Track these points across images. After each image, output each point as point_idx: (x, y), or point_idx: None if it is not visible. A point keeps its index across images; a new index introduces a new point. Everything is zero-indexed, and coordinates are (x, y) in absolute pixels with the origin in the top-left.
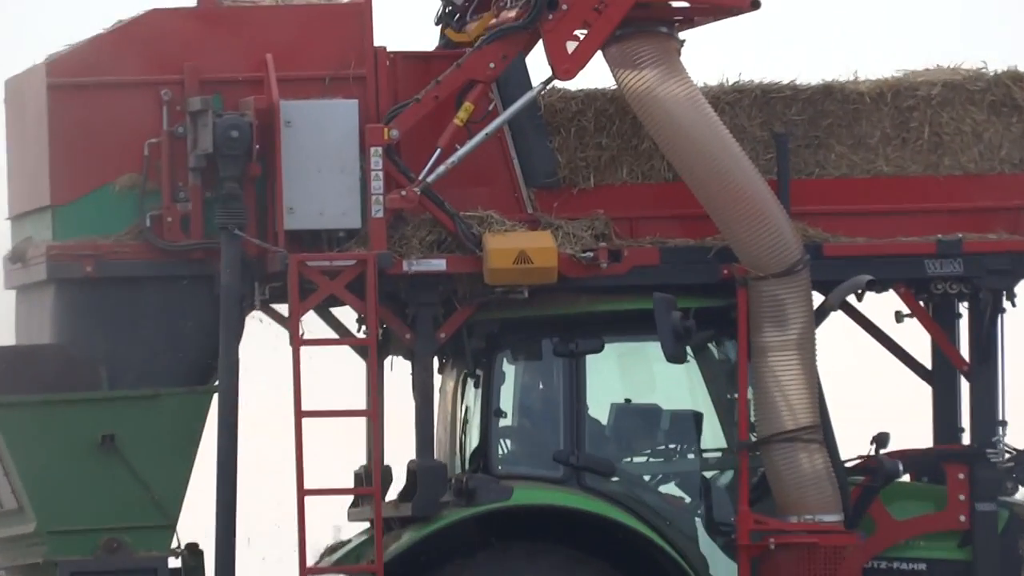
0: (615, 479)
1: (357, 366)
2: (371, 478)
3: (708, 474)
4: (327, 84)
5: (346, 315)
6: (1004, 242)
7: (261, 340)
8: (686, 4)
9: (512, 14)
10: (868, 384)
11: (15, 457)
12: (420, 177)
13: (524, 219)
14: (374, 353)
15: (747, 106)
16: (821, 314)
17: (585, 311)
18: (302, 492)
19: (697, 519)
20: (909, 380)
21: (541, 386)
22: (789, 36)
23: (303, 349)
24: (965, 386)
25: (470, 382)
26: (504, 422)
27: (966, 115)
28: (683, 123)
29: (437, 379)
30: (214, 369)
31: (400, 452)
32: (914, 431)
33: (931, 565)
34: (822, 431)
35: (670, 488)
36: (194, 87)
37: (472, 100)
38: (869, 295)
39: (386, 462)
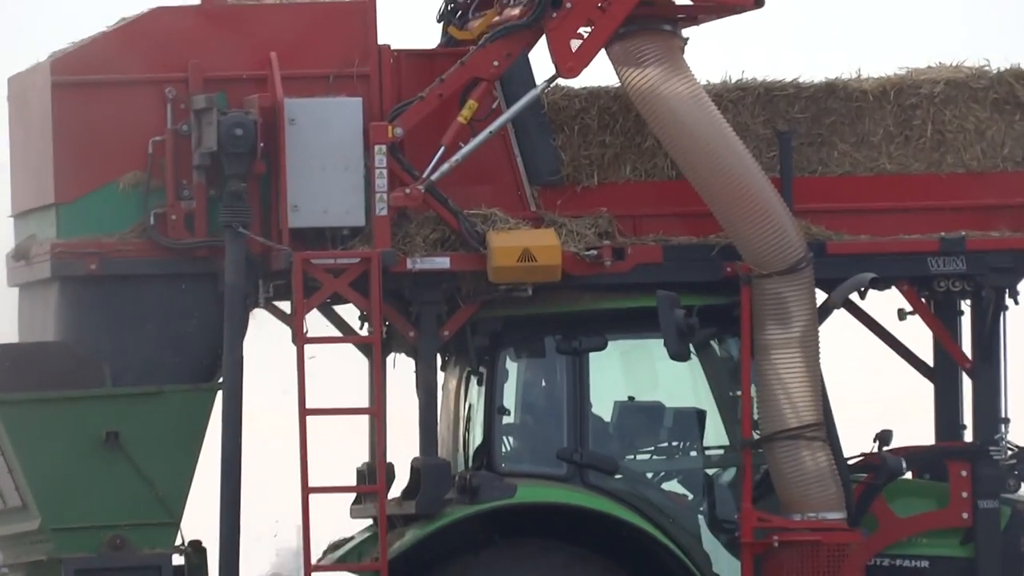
0: (618, 476)
1: (356, 363)
2: (373, 475)
3: (711, 471)
4: (331, 82)
5: (348, 312)
6: (1007, 240)
7: (264, 337)
8: (690, 2)
9: (516, 12)
10: (870, 381)
11: (19, 454)
12: (424, 175)
13: (528, 217)
14: (378, 351)
15: (750, 104)
16: (824, 312)
17: (589, 309)
18: (307, 490)
19: (700, 516)
20: (910, 377)
21: (544, 384)
22: (792, 34)
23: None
24: (967, 383)
25: (473, 380)
26: (507, 420)
27: (969, 113)
28: (687, 121)
29: (440, 376)
30: (218, 366)
31: (402, 449)
32: (916, 428)
33: (933, 562)
34: (825, 429)
35: (673, 485)
36: (198, 85)
37: (476, 98)
38: (871, 293)
39: (388, 459)
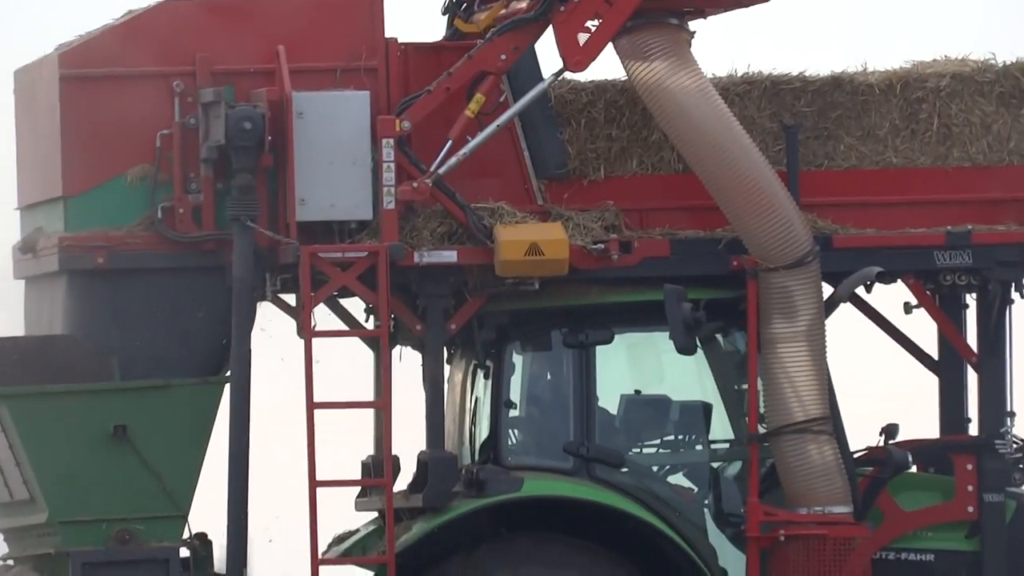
0: (625, 470)
1: (357, 357)
2: (378, 468)
3: (716, 465)
4: (338, 76)
5: (353, 306)
6: (1013, 233)
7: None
8: None
9: (523, 5)
10: (875, 375)
11: (27, 448)
12: (431, 169)
13: (534, 211)
14: (386, 345)
15: (757, 97)
16: (830, 305)
17: (595, 302)
18: (314, 483)
19: (706, 510)
20: (915, 371)
21: (551, 377)
22: (798, 28)
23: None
24: (971, 377)
25: (479, 373)
26: (514, 413)
27: (975, 107)
28: (693, 114)
29: (446, 370)
30: (226, 360)
31: (407, 443)
32: (921, 422)
33: (939, 556)
34: (831, 422)
35: (679, 479)
36: (206, 78)
37: (483, 92)
38: (876, 286)
39: (394, 453)
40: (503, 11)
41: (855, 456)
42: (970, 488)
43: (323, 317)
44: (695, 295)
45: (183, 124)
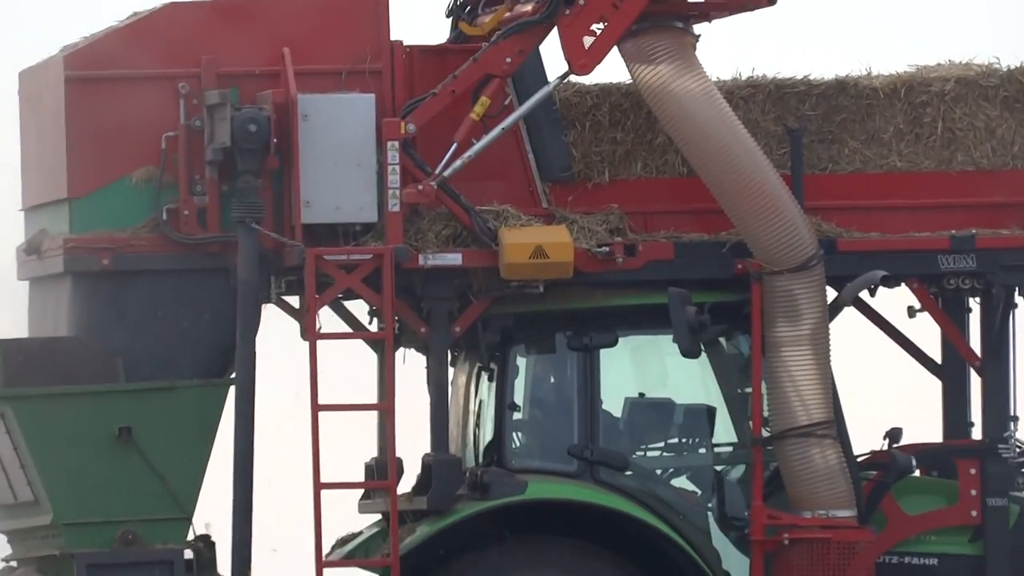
0: (628, 473)
1: (360, 359)
2: (381, 470)
3: (720, 468)
4: (343, 78)
5: (357, 308)
6: (1017, 238)
7: (276, 333)
8: None
9: (528, 8)
10: (879, 379)
11: (32, 449)
12: (437, 171)
13: (539, 213)
14: (390, 347)
15: (761, 101)
16: (835, 309)
17: (600, 305)
18: (318, 486)
19: (709, 513)
20: (919, 375)
21: (555, 380)
22: (803, 31)
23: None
24: (975, 381)
25: (483, 376)
26: (518, 416)
27: (979, 111)
28: (698, 118)
29: (449, 372)
30: (230, 362)
31: (410, 445)
32: (924, 426)
33: (942, 560)
34: (835, 426)
35: (683, 482)
36: (211, 80)
37: (489, 94)
38: (880, 290)
39: (397, 455)
40: (507, 14)
41: (859, 460)
42: (973, 492)
43: (327, 319)
44: (699, 298)
45: (188, 126)
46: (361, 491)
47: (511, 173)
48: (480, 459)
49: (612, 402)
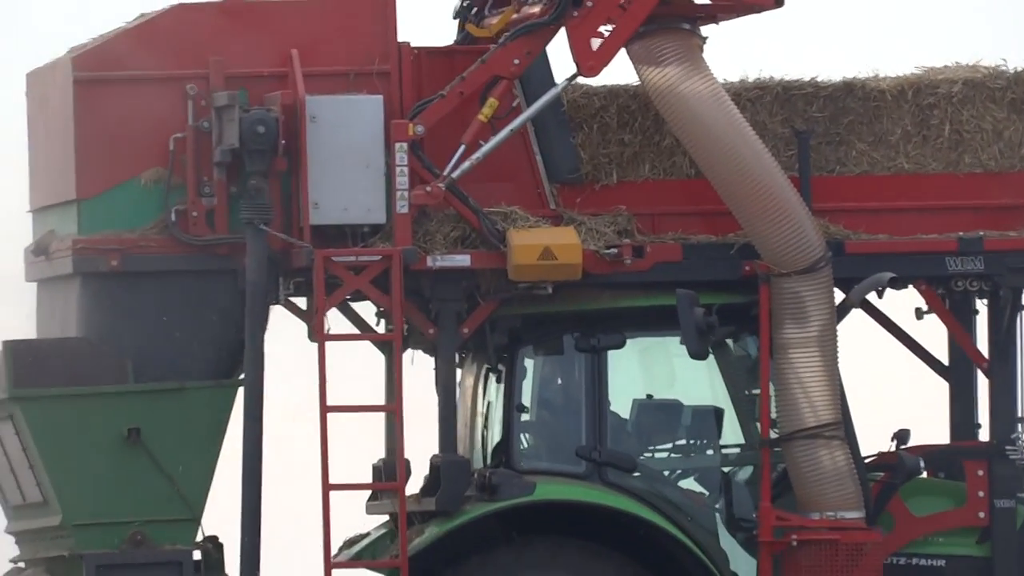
0: (636, 474)
1: (369, 360)
2: (390, 471)
3: (728, 470)
4: (351, 80)
5: (365, 309)
6: None
7: (284, 334)
8: (709, 1)
9: (535, 10)
10: (886, 380)
11: (41, 450)
12: (445, 173)
13: (547, 215)
14: (399, 348)
15: (768, 103)
16: (842, 311)
17: (608, 307)
18: (327, 487)
19: (717, 514)
20: (926, 376)
21: (563, 381)
22: (811, 33)
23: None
24: (983, 382)
25: (491, 377)
26: (526, 417)
27: (986, 113)
28: (705, 120)
29: (458, 374)
30: (239, 363)
31: (418, 446)
32: (931, 427)
33: (950, 561)
34: (843, 427)
35: (691, 483)
36: (219, 82)
37: (497, 96)
38: (888, 291)
39: (405, 456)
40: (515, 16)
41: (866, 461)
42: (981, 494)
43: (335, 321)
44: (707, 300)
45: (196, 127)
46: (369, 492)
47: (519, 175)
48: (488, 460)
49: (620, 403)
